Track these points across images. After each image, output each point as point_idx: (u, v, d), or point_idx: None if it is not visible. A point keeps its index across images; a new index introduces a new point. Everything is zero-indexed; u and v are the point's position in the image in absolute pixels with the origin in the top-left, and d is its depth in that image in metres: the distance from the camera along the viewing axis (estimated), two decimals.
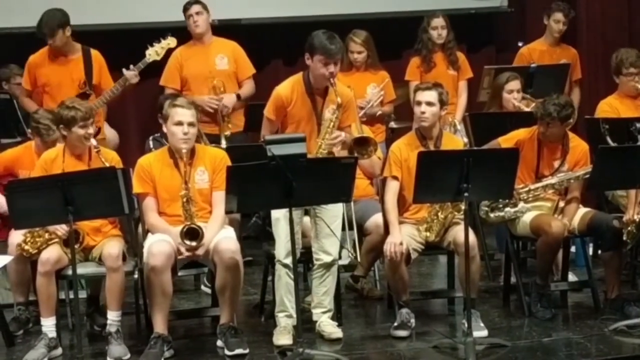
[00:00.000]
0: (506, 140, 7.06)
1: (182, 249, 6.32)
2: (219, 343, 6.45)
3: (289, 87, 6.61)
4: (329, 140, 6.52)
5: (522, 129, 7.12)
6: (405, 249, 6.53)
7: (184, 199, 6.37)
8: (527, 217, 6.95)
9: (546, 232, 6.78)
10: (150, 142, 7.64)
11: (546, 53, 9.05)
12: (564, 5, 9.08)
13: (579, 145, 7.08)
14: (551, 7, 9.10)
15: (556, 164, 7.04)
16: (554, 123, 6.90)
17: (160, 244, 6.29)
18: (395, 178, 6.78)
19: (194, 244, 6.30)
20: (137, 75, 7.96)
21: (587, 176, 6.86)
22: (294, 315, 6.38)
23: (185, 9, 8.42)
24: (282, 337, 6.48)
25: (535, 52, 9.07)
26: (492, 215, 7.01)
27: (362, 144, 6.73)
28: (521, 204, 6.96)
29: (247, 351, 6.33)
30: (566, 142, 7.04)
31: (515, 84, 7.92)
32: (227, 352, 6.34)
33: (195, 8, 8.38)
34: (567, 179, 6.99)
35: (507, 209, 6.96)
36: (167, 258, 6.26)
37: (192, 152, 6.48)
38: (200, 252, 6.34)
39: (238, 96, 8.35)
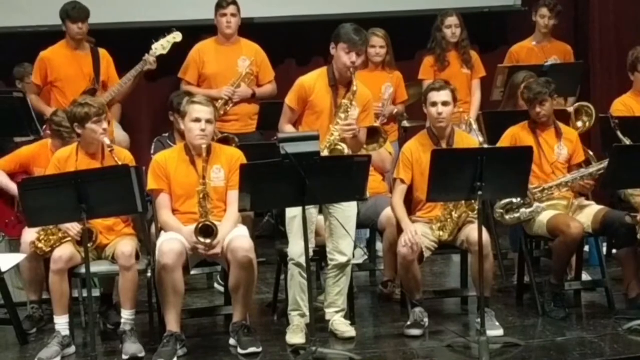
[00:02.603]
0: (503, 141, 7.09)
1: (200, 247, 6.31)
2: (232, 341, 6.45)
3: (312, 77, 6.67)
4: (342, 124, 6.50)
5: (512, 126, 7.14)
6: (420, 236, 6.52)
7: (201, 195, 6.37)
8: (544, 217, 6.91)
9: (564, 232, 6.76)
10: (153, 145, 7.63)
11: (534, 51, 8.93)
12: (549, 0, 8.94)
13: (569, 131, 7.22)
14: (538, 2, 8.99)
15: (556, 147, 7.06)
16: (545, 99, 7.01)
17: (172, 243, 6.29)
18: (403, 182, 6.78)
19: (208, 241, 6.30)
20: (155, 61, 7.99)
21: (601, 172, 6.85)
22: (307, 314, 6.38)
23: (221, 6, 8.39)
24: (295, 336, 6.48)
25: (523, 50, 8.96)
26: (507, 217, 6.97)
27: (372, 135, 6.73)
28: (536, 204, 6.93)
29: (260, 350, 6.34)
30: (557, 125, 7.14)
31: None
32: (240, 351, 6.34)
33: (232, 9, 8.38)
34: (581, 176, 6.99)
35: (522, 210, 6.93)
36: (178, 256, 6.26)
37: (208, 150, 6.48)
38: (217, 250, 6.33)
39: (253, 94, 8.37)
